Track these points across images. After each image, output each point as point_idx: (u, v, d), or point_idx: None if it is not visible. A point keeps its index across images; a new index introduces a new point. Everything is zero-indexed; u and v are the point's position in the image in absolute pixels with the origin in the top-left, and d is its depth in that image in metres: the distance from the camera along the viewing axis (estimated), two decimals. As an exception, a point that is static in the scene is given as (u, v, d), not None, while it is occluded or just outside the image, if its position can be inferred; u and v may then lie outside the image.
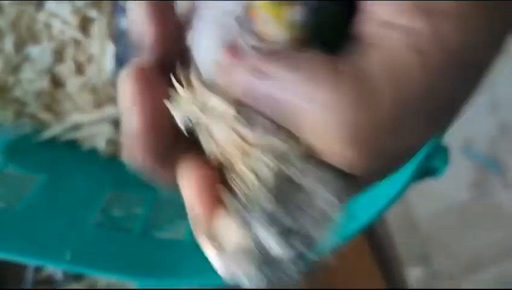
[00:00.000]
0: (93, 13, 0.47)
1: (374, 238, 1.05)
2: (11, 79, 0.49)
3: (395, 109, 0.16)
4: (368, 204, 0.33)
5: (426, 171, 0.33)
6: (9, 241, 0.35)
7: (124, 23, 0.45)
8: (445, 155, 0.32)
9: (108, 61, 0.45)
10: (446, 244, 1.22)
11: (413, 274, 1.20)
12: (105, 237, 0.37)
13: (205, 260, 0.36)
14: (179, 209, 0.42)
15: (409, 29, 0.16)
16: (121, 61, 0.45)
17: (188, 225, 0.38)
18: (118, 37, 0.45)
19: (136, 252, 0.36)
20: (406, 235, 1.25)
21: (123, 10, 0.45)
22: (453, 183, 1.25)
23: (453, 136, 1.11)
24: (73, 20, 0.46)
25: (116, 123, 0.47)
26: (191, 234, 0.38)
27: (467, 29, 0.17)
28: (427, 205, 1.25)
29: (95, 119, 0.47)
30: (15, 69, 0.49)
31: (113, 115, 0.47)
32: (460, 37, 0.17)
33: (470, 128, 1.23)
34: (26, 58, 0.48)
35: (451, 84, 0.17)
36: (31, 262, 0.34)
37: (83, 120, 0.48)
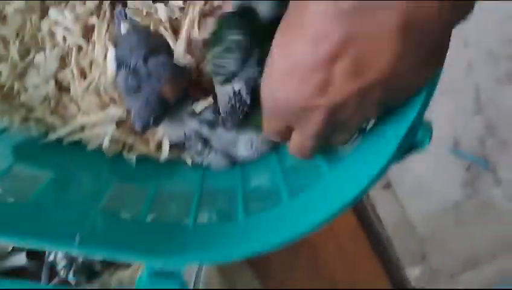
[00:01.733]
0: (93, 20, 0.49)
1: (374, 240, 1.07)
2: (17, 85, 0.51)
3: None
4: (354, 179, 0.36)
5: (410, 146, 0.35)
6: (20, 229, 0.36)
7: (123, 28, 0.47)
8: (427, 128, 0.34)
9: (110, 64, 0.48)
10: (443, 243, 1.24)
11: (414, 273, 1.21)
12: (113, 222, 0.39)
13: (208, 239, 0.38)
14: (182, 201, 0.45)
15: None
16: (120, 63, 0.47)
17: (192, 212, 0.41)
18: (118, 41, 0.48)
19: (143, 235, 0.38)
20: (404, 236, 1.27)
21: (122, 16, 0.48)
22: (445, 183, 1.28)
23: (442, 138, 1.14)
24: (76, 28, 0.49)
25: (118, 123, 0.50)
26: (194, 220, 0.40)
27: None
28: (422, 206, 1.28)
29: (98, 120, 0.50)
30: (21, 75, 0.51)
31: (116, 115, 0.49)
32: None
33: (457, 129, 1.26)
34: (31, 65, 0.51)
35: None
36: (41, 247, 0.35)
37: (87, 122, 0.50)
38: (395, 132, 0.35)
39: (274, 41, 0.29)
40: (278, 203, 0.40)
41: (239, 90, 0.40)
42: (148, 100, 0.42)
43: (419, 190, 1.22)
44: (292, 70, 0.28)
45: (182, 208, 0.45)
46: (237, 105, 0.41)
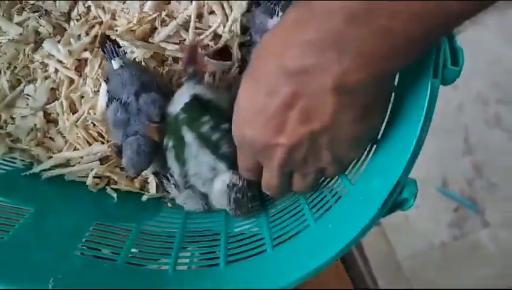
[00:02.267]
0: (86, 54, 0.49)
1: (358, 280, 1.06)
2: (4, 115, 0.51)
3: None
4: (339, 235, 0.35)
5: (395, 204, 0.35)
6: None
7: (115, 63, 0.47)
8: (413, 188, 0.34)
9: (101, 99, 0.48)
10: (429, 283, 1.23)
11: (399, 314, 1.20)
12: (90, 265, 0.38)
13: (186, 288, 0.37)
14: (162, 243, 0.44)
15: None
16: (112, 97, 0.47)
17: (173, 257, 0.40)
18: (110, 76, 0.47)
19: (122, 280, 0.37)
20: (390, 276, 1.26)
21: (114, 52, 0.47)
22: (433, 223, 1.28)
23: (431, 178, 1.14)
24: (69, 61, 0.49)
25: (103, 159, 0.49)
26: (173, 267, 0.40)
27: None
28: (409, 245, 1.27)
29: (84, 156, 0.49)
30: (9, 105, 0.51)
31: (101, 151, 0.49)
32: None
33: (446, 170, 1.27)
34: (21, 96, 0.51)
35: None
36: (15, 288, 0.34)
37: (72, 156, 0.50)
38: (380, 189, 0.34)
39: (240, 88, 0.35)
40: (262, 253, 0.40)
41: (232, 182, 0.42)
42: (138, 148, 0.42)
43: (405, 229, 1.21)
44: (256, 113, 0.33)
45: (163, 248, 0.45)
46: (239, 196, 0.42)
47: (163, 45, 0.48)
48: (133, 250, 0.44)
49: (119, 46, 0.46)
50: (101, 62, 0.49)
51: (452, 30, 0.31)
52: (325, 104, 0.30)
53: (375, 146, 0.39)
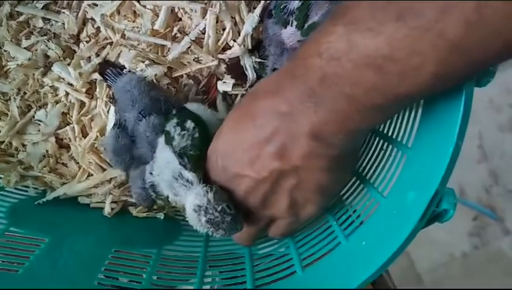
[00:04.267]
0: (96, 76, 0.48)
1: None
2: (15, 142, 0.49)
3: None
4: (374, 253, 0.33)
5: (434, 216, 0.33)
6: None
7: (121, 83, 0.45)
8: (451, 198, 0.32)
9: (110, 122, 0.46)
10: (452, 295, 1.19)
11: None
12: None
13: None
14: (185, 269, 0.42)
15: None
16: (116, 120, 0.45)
17: (196, 284, 0.38)
18: (116, 95, 0.46)
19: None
20: (410, 287, 1.22)
21: (117, 75, 0.46)
22: (453, 233, 1.24)
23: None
24: (79, 83, 0.48)
25: (119, 184, 0.47)
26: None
27: None
28: (430, 257, 1.24)
29: (98, 182, 0.47)
30: (20, 132, 0.49)
31: (116, 176, 0.47)
32: None
33: (462, 178, 1.24)
34: (31, 121, 0.49)
35: None
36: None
37: (85, 187, 0.48)
38: (417, 201, 0.32)
39: (229, 117, 0.37)
40: (291, 275, 0.37)
41: (195, 204, 0.36)
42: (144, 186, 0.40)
43: (425, 241, 1.18)
44: (235, 142, 0.36)
45: (185, 274, 0.42)
46: (210, 217, 0.36)
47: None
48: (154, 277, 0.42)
49: (122, 68, 0.45)
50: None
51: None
52: (299, 146, 0.33)
53: (405, 156, 0.37)
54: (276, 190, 0.36)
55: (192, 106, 0.43)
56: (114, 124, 0.44)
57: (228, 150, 0.36)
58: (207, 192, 0.36)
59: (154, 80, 0.46)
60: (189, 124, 0.40)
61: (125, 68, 0.46)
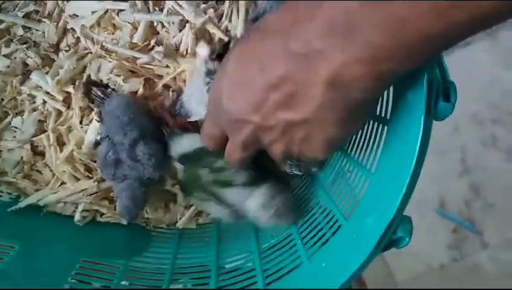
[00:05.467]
0: (70, 89, 0.49)
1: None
2: (-10, 148, 0.50)
3: None
4: (332, 275, 0.34)
5: (391, 242, 0.34)
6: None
7: (109, 107, 0.45)
8: (408, 225, 0.33)
9: (90, 135, 0.47)
10: (428, 306, 1.21)
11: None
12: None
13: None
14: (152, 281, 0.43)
15: None
16: (104, 136, 0.46)
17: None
18: (105, 116, 0.46)
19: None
20: (387, 298, 1.23)
21: (103, 95, 0.46)
22: (432, 244, 1.26)
23: (428, 199, 1.13)
24: (57, 93, 0.48)
25: (91, 194, 0.48)
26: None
27: None
28: (408, 268, 1.25)
29: (71, 192, 0.48)
30: (-5, 138, 0.50)
31: (88, 187, 0.48)
32: None
33: (444, 191, 1.26)
34: (7, 128, 0.50)
35: None
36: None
37: (58, 197, 0.48)
38: (374, 227, 0.33)
39: (232, 57, 0.33)
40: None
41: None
42: (134, 193, 0.41)
43: (404, 252, 1.19)
44: (240, 86, 0.32)
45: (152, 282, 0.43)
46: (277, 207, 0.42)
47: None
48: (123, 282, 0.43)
49: (106, 87, 0.46)
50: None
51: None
52: (312, 96, 0.28)
53: (368, 181, 0.38)
54: (284, 139, 0.33)
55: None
56: (102, 138, 0.45)
57: (231, 92, 0.32)
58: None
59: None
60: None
61: (109, 88, 0.46)
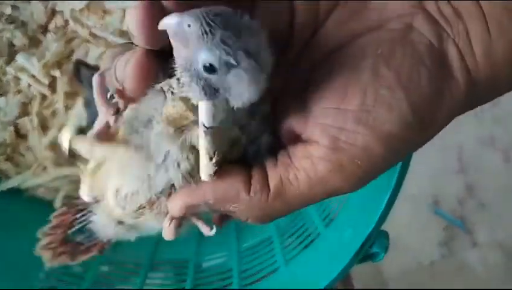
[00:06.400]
0: (56, 72, 0.47)
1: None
2: (-27, 128, 0.49)
3: None
4: (309, 282, 0.34)
5: (367, 256, 0.33)
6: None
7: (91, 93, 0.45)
8: (384, 241, 0.33)
9: (71, 121, 0.46)
10: (416, 303, 1.22)
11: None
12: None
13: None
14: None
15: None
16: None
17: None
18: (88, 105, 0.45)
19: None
20: (375, 293, 1.24)
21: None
22: (422, 241, 1.26)
23: (422, 195, 1.12)
24: (42, 76, 0.47)
25: (73, 181, 0.48)
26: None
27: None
28: (397, 263, 1.26)
29: (53, 177, 0.47)
30: (-22, 119, 0.49)
31: (71, 174, 0.47)
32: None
33: (438, 188, 1.25)
34: (-10, 109, 0.49)
35: None
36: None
37: (41, 182, 0.48)
38: (351, 240, 0.33)
39: None
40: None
41: None
42: None
43: (394, 247, 1.19)
44: None
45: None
46: None
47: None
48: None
49: (95, 68, 0.44)
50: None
51: None
52: None
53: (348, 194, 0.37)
54: None
55: None
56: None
57: None
58: None
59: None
60: None
61: (99, 70, 0.45)
